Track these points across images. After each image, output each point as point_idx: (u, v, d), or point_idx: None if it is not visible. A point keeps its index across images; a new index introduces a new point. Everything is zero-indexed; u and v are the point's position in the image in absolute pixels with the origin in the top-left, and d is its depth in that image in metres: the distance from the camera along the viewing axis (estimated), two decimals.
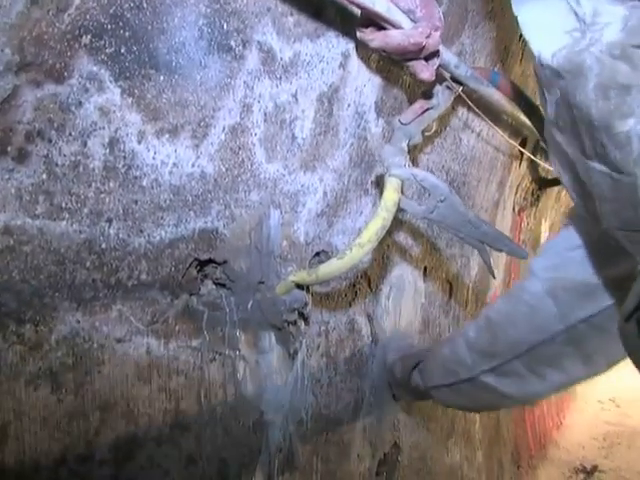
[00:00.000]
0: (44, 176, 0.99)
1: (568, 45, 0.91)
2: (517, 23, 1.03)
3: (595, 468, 4.06)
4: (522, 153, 3.05)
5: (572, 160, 1.02)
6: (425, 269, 2.35)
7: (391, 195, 1.38)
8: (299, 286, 1.46)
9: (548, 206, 4.01)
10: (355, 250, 1.32)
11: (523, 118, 2.42)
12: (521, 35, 2.48)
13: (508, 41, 2.43)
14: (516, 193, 3.30)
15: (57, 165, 1.00)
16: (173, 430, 1.29)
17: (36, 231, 1.00)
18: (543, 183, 3.60)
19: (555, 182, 3.62)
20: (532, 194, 3.57)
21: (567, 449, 4.38)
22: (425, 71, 1.49)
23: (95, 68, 1.01)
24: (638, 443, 4.64)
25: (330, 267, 1.35)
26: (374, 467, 2.04)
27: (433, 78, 1.52)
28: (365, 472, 1.98)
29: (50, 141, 0.98)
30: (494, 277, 1.81)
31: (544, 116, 1.08)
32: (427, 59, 1.50)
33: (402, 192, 1.44)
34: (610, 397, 5.82)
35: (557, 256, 1.42)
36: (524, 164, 3.23)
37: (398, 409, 2.21)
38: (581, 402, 5.48)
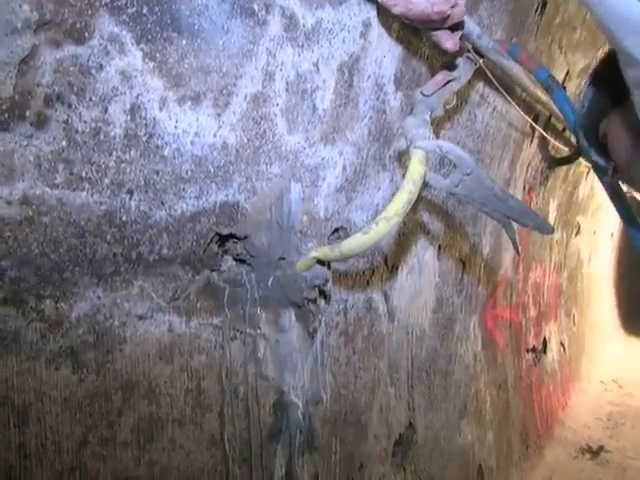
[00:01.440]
0: (64, 143, 0.93)
1: None
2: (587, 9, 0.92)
3: (601, 448, 4.05)
4: (533, 131, 2.99)
5: None
6: (439, 247, 2.31)
7: (417, 167, 1.33)
8: (320, 262, 1.42)
9: (556, 186, 3.96)
10: (382, 224, 1.27)
11: (539, 93, 2.37)
12: (537, 9, 2.42)
13: (524, 15, 2.37)
14: (527, 172, 3.25)
15: (77, 132, 0.94)
16: (195, 411, 1.25)
17: (55, 201, 0.95)
18: (553, 162, 3.55)
19: (564, 161, 3.57)
20: (541, 173, 3.52)
21: (573, 429, 4.37)
22: (449, 40, 1.44)
23: (116, 29, 0.95)
24: None
25: (355, 242, 1.30)
26: (390, 447, 2.01)
27: (457, 48, 1.46)
28: (381, 452, 1.95)
29: (70, 106, 0.93)
30: (519, 253, 1.76)
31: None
32: (452, 29, 1.45)
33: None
34: (613, 378, 5.83)
35: None
36: (535, 142, 3.18)
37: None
38: (584, 383, 5.48)
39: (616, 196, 1.65)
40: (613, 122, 1.10)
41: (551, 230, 1.55)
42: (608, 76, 1.07)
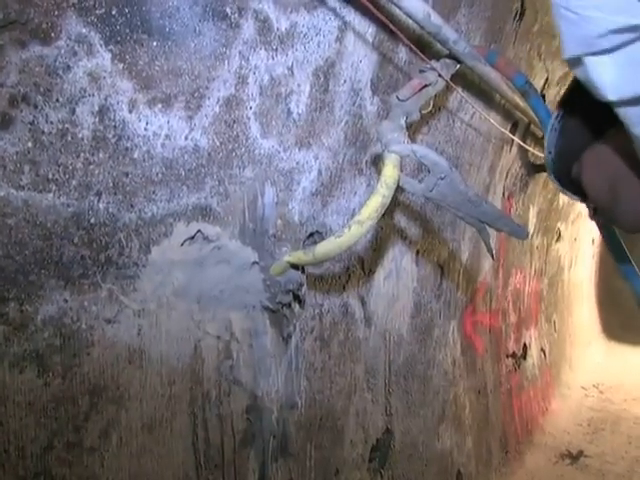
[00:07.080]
0: (29, 144, 0.92)
1: None
2: None
3: (581, 453, 4.07)
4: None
5: None
6: (417, 252, 2.31)
7: (391, 172, 1.33)
8: (294, 267, 1.41)
9: (536, 192, 3.98)
10: (354, 228, 1.26)
11: (517, 99, 2.39)
12: (515, 17, 2.44)
13: (503, 22, 2.39)
14: (506, 178, 3.27)
15: (43, 133, 0.93)
16: (165, 415, 1.24)
17: (21, 203, 0.93)
18: (532, 169, 3.57)
19: (543, 168, 3.59)
20: (521, 180, 3.54)
21: (553, 435, 4.39)
22: None
23: (84, 30, 0.94)
24: (622, 429, 4.67)
25: (328, 246, 1.30)
26: (367, 453, 2.00)
27: None
28: (358, 458, 1.94)
29: (36, 107, 0.92)
30: (493, 258, 1.77)
31: None
32: None
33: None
34: (594, 383, 5.86)
35: None
36: (514, 148, 3.20)
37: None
38: (565, 388, 5.51)
39: (608, 234, 1.62)
40: (587, 163, 1.04)
41: (526, 235, 1.55)
42: (579, 111, 1.02)
